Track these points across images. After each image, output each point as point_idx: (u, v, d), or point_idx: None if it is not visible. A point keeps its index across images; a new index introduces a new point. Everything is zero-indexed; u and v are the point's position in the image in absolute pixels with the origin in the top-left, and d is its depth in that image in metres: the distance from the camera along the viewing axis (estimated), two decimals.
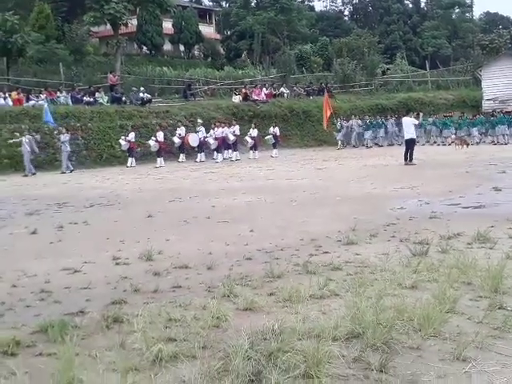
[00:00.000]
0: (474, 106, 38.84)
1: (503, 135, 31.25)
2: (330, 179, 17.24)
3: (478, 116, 33.65)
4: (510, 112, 33.88)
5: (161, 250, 7.96)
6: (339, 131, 32.27)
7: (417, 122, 22.51)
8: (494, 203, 11.29)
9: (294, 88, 38.73)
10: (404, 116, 23.00)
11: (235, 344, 4.10)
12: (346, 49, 46.30)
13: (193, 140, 26.77)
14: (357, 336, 4.42)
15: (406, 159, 20.80)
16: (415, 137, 22.09)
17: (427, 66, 49.02)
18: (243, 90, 34.61)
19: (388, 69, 48.92)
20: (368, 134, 32.79)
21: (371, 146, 32.43)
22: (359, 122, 33.15)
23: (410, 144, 21.03)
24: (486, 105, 37.65)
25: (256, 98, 34.05)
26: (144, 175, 21.53)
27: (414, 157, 20.87)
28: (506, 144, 29.97)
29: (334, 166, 21.74)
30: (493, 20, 64.49)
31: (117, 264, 7.38)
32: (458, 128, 32.24)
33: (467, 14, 61.95)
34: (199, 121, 27.87)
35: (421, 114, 25.05)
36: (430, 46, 56.10)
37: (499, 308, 4.98)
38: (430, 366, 3.98)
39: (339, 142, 32.24)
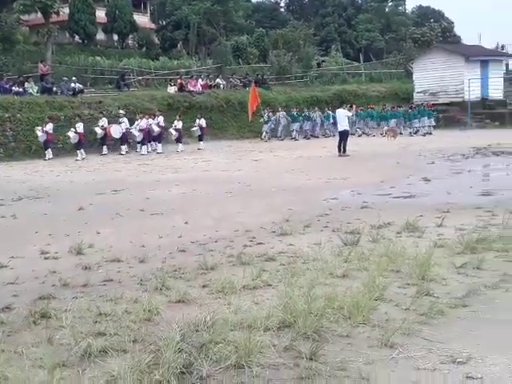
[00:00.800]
0: (406, 98, 39.75)
1: (424, 127, 32.45)
2: (266, 171, 17.34)
3: (397, 108, 34.68)
4: (434, 105, 35.05)
5: (92, 243, 7.82)
6: (266, 123, 32.28)
7: (350, 114, 22.85)
8: (423, 193, 11.65)
9: (231, 79, 38.63)
10: (338, 108, 23.32)
11: (166, 337, 4.08)
12: (282, 40, 46.47)
13: (115, 132, 26.01)
14: (288, 325, 4.48)
15: (339, 150, 21.13)
16: (348, 128, 22.47)
17: (361, 58, 49.92)
18: (179, 81, 34.24)
19: (323, 61, 49.46)
20: (295, 126, 32.99)
21: (297, 139, 32.44)
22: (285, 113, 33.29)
23: (344, 136, 21.39)
24: (417, 97, 38.61)
25: (192, 88, 33.77)
26: (75, 167, 21.05)
27: (347, 148, 21.22)
28: (425, 135, 31.05)
29: (270, 158, 21.85)
30: (425, 13, 65.99)
31: (45, 258, 7.21)
32: (381, 119, 33.73)
33: (400, 8, 63.31)
34: (121, 112, 27.21)
35: (353, 106, 25.44)
36: (363, 38, 57.05)
37: (426, 295, 5.14)
38: (359, 352, 4.07)
39: (263, 133, 32.21)
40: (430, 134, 31.66)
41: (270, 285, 5.63)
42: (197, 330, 4.36)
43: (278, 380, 3.72)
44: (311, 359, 3.95)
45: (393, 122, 33.03)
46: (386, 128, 31.33)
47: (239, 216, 9.81)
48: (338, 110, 22.63)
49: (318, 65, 47.95)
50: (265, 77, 39.76)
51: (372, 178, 14.21)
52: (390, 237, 7.52)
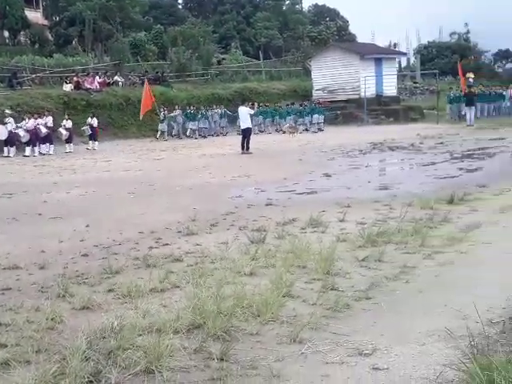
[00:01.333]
0: (305, 95, 40.61)
1: (315, 124, 33.53)
2: (169, 169, 17.18)
3: (291, 106, 35.53)
4: (332, 102, 36.15)
5: None
6: (162, 121, 31.93)
7: (252, 112, 23.06)
8: (325, 189, 11.96)
9: (129, 76, 38.00)
10: (240, 106, 23.46)
11: (72, 345, 3.96)
12: (181, 37, 46.16)
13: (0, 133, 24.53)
14: (198, 327, 4.46)
15: (243, 148, 21.29)
16: (251, 126, 22.67)
17: (261, 56, 50.50)
18: (75, 79, 33.21)
19: (223, 58, 49.62)
20: (192, 125, 32.90)
21: (196, 138, 32.30)
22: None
23: (247, 133, 21.56)
24: (316, 94, 39.50)
25: (89, 86, 32.89)
26: None
27: (250, 146, 21.41)
28: (317, 131, 31.97)
29: (172, 157, 21.67)
30: (321, 12, 67.51)
31: None
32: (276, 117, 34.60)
33: (297, 6, 64.47)
34: (7, 111, 25.84)
35: (255, 104, 25.68)
36: (262, 36, 57.63)
37: (331, 289, 5.27)
38: (269, 350, 4.11)
39: (159, 132, 31.88)
40: (322, 130, 32.58)
41: (178, 286, 5.58)
42: (104, 337, 4.25)
43: (190, 383, 3.69)
44: (222, 360, 3.94)
45: (288, 119, 33.73)
46: (285, 126, 31.82)
47: (143, 217, 9.65)
48: (240, 108, 22.76)
49: (219, 62, 48.06)
50: (165, 74, 39.38)
51: (275, 175, 14.42)
52: (295, 233, 7.65)
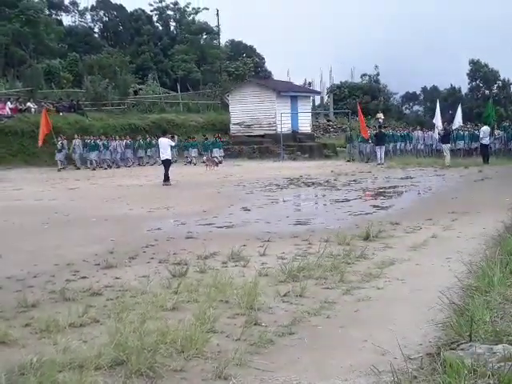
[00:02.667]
0: (223, 129, 41.03)
1: (216, 157, 33.90)
2: (84, 200, 16.82)
3: (193, 139, 36.09)
4: (250, 136, 36.67)
5: None
6: (60, 151, 31.18)
7: (173, 144, 23.07)
8: (245, 222, 12.04)
9: (42, 103, 37.07)
10: (161, 137, 23.33)
11: None
12: (98, 66, 45.70)
13: None
14: (121, 363, 4.37)
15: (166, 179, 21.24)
16: (171, 157, 22.59)
17: (178, 88, 50.59)
18: None
19: (140, 89, 49.38)
20: (93, 155, 32.24)
21: (94, 168, 31.69)
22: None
23: (167, 164, 21.52)
24: (234, 128, 39.99)
25: (0, 112, 31.89)
26: None
27: (170, 177, 21.32)
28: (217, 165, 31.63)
29: (87, 186, 21.24)
30: (237, 48, 68.74)
31: None
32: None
33: (215, 41, 65.29)
34: None
35: (176, 137, 25.62)
36: (180, 69, 57.86)
37: (255, 324, 5.29)
38: None
39: (59, 163, 31.13)
40: (221, 163, 32.87)
41: (98, 321, 5.45)
42: (22, 374, 4.10)
43: None
44: None
45: (193, 151, 34.65)
46: (204, 158, 31.85)
47: (59, 248, 9.38)
48: (160, 139, 22.65)
49: (135, 92, 47.79)
50: (80, 102, 38.72)
51: (195, 208, 14.40)
52: (217, 267, 7.64)
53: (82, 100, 40.69)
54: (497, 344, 4.11)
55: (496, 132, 31.93)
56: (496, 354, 3.91)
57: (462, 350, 4.08)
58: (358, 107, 34.91)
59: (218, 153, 34.32)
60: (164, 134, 23.85)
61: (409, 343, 4.68)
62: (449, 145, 29.08)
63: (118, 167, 32.54)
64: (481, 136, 29.01)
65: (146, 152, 34.58)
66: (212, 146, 34.57)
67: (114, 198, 16.91)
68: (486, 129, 29.36)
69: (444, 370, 3.78)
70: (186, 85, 53.16)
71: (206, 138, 35.91)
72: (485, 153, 28.61)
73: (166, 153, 21.77)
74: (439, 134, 30.78)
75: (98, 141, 32.61)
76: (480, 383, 3.59)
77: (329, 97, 56.01)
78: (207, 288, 6.38)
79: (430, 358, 4.28)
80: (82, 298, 6.29)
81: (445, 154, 28.41)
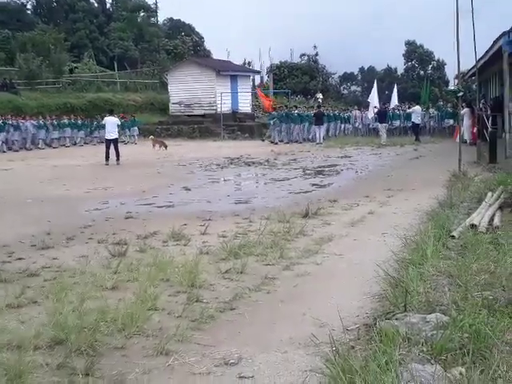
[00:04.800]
0: (163, 108, 40.54)
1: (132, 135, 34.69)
2: (19, 181, 16.40)
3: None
4: (190, 116, 36.31)
5: None
6: None
7: (119, 122, 22.78)
8: (186, 202, 12.03)
9: None
10: (108, 116, 22.85)
11: None
12: (31, 44, 44.22)
13: None
14: (60, 342, 4.34)
15: (107, 159, 20.88)
16: (117, 136, 22.19)
17: (115, 67, 49.59)
18: None
19: (76, 67, 48.11)
20: (0, 136, 29.45)
21: (4, 151, 29.06)
22: None
23: (115, 143, 21.40)
24: (173, 108, 39.55)
25: None
26: None
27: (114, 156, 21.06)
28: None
29: (22, 167, 20.69)
30: (176, 26, 67.73)
31: None
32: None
33: (152, 19, 64.14)
34: None
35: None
36: (117, 47, 56.64)
37: (196, 301, 5.34)
38: (135, 363, 4.11)
39: None
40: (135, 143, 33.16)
41: (36, 302, 5.38)
42: None
43: None
44: (87, 375, 3.88)
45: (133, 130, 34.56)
46: (151, 136, 31.15)
47: None
48: (107, 118, 22.17)
49: (71, 71, 46.56)
50: (13, 81, 37.49)
51: (134, 188, 14.26)
52: (158, 246, 7.64)
53: (15, 78, 39.38)
54: (430, 313, 4.27)
55: (430, 111, 32.86)
56: (429, 323, 4.07)
57: (397, 319, 4.22)
58: (257, 90, 35.22)
59: (135, 132, 34.68)
60: (111, 113, 23.39)
61: (346, 315, 4.81)
62: (385, 124, 29.77)
63: (30, 149, 30.02)
64: (412, 115, 29.85)
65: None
66: (131, 125, 34.50)
67: (51, 178, 16.52)
68: (417, 108, 30.26)
69: (380, 339, 3.91)
70: (124, 63, 52.14)
71: (133, 117, 35.54)
72: (416, 131, 29.43)
73: (114, 132, 21.58)
74: (375, 114, 31.43)
75: (7, 120, 29.91)
76: (414, 351, 3.73)
77: (268, 77, 56.04)
78: (148, 267, 6.38)
79: (367, 329, 4.42)
80: (18, 279, 6.19)
81: (381, 133, 29.14)
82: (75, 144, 32.76)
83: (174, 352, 4.26)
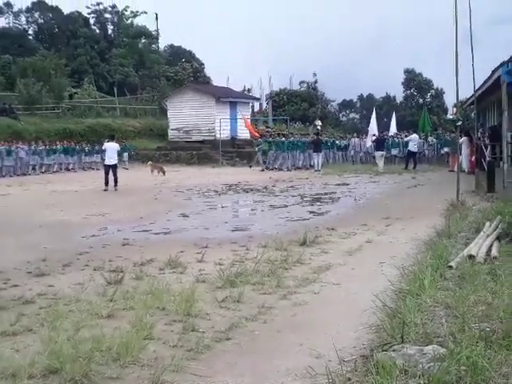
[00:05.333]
0: (162, 134, 40.76)
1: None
2: (17, 206, 16.39)
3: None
4: (188, 142, 36.43)
5: None
6: None
7: (119, 148, 23.00)
8: (183, 229, 12.03)
9: None
10: (108, 141, 22.96)
11: None
12: (31, 69, 44.57)
13: None
14: (55, 371, 4.31)
15: (106, 184, 20.91)
16: (117, 162, 22.26)
17: (115, 92, 49.94)
18: None
19: (76, 93, 48.48)
20: None
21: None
22: None
23: (115, 169, 21.45)
24: (172, 134, 39.81)
25: None
26: None
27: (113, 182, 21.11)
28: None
29: (20, 192, 20.71)
30: (177, 52, 68.44)
31: None
32: None
33: (153, 46, 64.85)
34: None
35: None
36: (117, 73, 57.16)
37: (192, 330, 5.31)
38: None
39: None
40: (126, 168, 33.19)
41: (31, 329, 5.34)
42: None
43: None
44: None
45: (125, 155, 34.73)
46: (149, 162, 31.28)
47: None
48: (108, 144, 22.25)
49: (71, 96, 46.89)
50: (12, 106, 37.73)
51: (131, 214, 14.28)
52: (154, 274, 7.61)
53: (15, 103, 39.64)
54: (427, 345, 4.26)
55: (429, 139, 33.05)
56: (426, 355, 4.05)
57: (394, 351, 4.20)
58: (244, 119, 35.66)
59: (126, 157, 35.03)
60: (112, 139, 23.50)
61: (343, 346, 4.79)
62: (382, 152, 29.87)
63: (23, 175, 29.90)
64: (409, 143, 29.97)
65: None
66: (122, 151, 34.45)
67: (48, 204, 16.53)
68: (414, 137, 30.55)
69: (377, 371, 3.89)
70: (124, 89, 52.55)
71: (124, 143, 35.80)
72: (413, 159, 29.52)
73: (113, 157, 21.66)
74: (373, 142, 31.59)
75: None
76: (411, 383, 3.71)
77: (268, 103, 56.42)
78: (144, 295, 6.36)
79: (364, 360, 4.39)
80: (13, 306, 6.16)
81: (377, 161, 29.28)
82: (68, 170, 32.87)
83: (169, 382, 4.22)
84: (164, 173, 27.58)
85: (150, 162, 30.85)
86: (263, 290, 6.73)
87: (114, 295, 6.35)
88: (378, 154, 29.67)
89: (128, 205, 16.48)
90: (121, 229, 12.01)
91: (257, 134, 35.69)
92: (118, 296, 6.34)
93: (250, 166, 33.02)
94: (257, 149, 32.91)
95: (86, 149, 34.31)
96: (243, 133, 39.63)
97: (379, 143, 30.21)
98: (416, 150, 30.14)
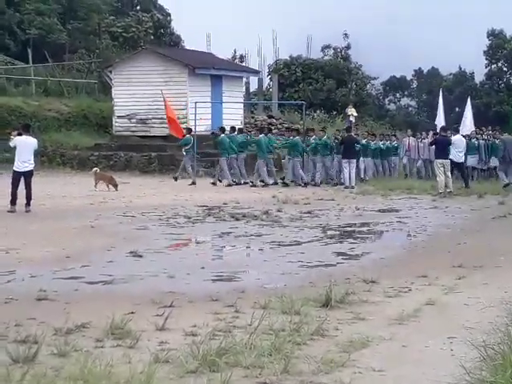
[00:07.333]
0: (102, 124, 40.59)
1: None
2: None
3: None
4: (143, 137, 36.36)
5: None
6: None
7: (37, 146, 23.11)
8: (134, 276, 12.03)
9: None
10: (19, 135, 22.87)
11: None
12: None
13: None
14: None
15: (14, 202, 20.78)
16: (33, 168, 22.25)
17: (30, 56, 49.92)
18: None
19: None
20: None
21: None
22: None
23: (30, 178, 21.28)
24: (119, 124, 39.26)
25: None
26: None
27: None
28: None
29: None
30: None
31: None
32: None
33: None
34: None
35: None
36: (34, 26, 57.24)
37: None
38: None
39: None
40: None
41: None
42: None
43: None
44: None
45: None
46: (94, 169, 31.27)
47: None
48: (22, 139, 21.89)
49: None
50: None
51: (53, 251, 14.34)
52: (87, 347, 7.59)
53: None
54: None
55: None
56: None
57: None
58: (165, 103, 34.50)
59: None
60: (26, 131, 22.47)
61: None
62: (443, 160, 28.02)
63: None
64: (451, 149, 28.44)
65: None
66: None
67: None
68: (458, 139, 29.90)
69: None
70: (43, 52, 52.65)
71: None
72: (461, 174, 29.58)
73: (29, 161, 21.13)
74: (429, 144, 31.13)
75: None
76: None
77: (271, 80, 56.58)
78: (70, 382, 6.32)
79: None
80: None
81: (436, 173, 27.87)
82: None
83: None
84: (116, 186, 27.77)
85: (95, 169, 30.76)
86: (262, 378, 6.71)
87: (23, 380, 6.32)
88: (436, 163, 28.28)
89: (47, 236, 16.50)
90: (35, 274, 12.02)
91: (179, 131, 34.43)
92: (30, 382, 6.31)
93: (175, 179, 32.60)
94: (184, 151, 32.56)
95: None
96: (233, 124, 39.09)
97: (440, 146, 28.98)
98: (461, 160, 29.41)
